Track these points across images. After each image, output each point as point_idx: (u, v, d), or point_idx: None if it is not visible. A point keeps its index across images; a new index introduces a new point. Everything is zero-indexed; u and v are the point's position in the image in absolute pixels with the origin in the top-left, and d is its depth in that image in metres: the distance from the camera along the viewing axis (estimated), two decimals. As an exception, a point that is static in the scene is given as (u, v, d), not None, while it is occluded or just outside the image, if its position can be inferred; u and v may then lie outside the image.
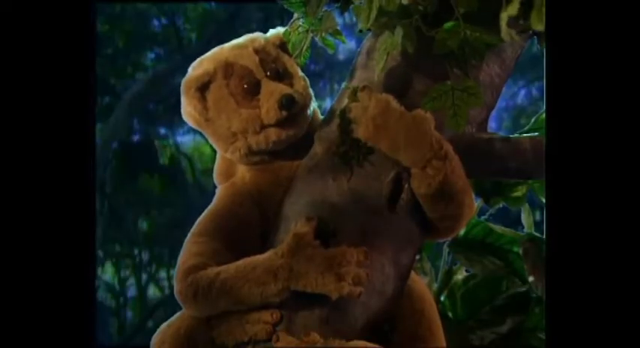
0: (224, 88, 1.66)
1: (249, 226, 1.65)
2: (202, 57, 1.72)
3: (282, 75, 1.67)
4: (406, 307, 1.63)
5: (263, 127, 1.64)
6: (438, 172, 1.53)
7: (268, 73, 1.66)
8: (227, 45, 1.71)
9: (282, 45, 1.70)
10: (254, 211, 1.67)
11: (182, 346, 1.60)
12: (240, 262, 1.55)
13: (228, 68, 1.66)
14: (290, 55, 1.70)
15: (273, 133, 1.64)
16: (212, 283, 1.54)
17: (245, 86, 1.65)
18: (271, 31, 1.72)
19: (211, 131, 1.70)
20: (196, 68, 1.70)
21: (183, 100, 1.70)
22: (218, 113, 1.66)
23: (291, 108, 1.62)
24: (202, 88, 1.67)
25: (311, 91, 1.72)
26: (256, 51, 1.67)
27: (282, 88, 1.64)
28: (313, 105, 1.71)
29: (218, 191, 1.73)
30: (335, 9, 1.65)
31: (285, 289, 1.51)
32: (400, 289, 1.62)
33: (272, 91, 1.63)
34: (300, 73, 1.70)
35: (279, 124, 1.63)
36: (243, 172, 1.71)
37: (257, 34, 1.72)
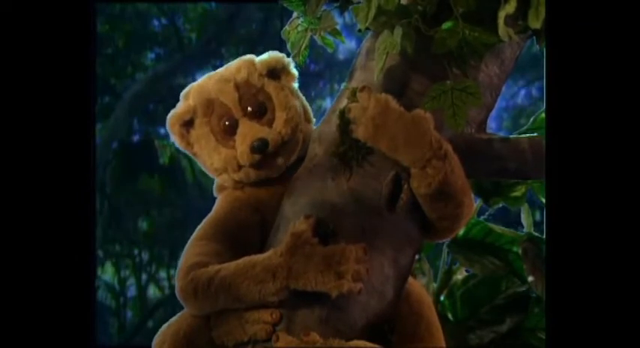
0: (205, 125, 1.69)
1: (249, 230, 1.66)
2: (192, 85, 1.73)
3: (263, 110, 1.68)
4: (404, 309, 1.63)
5: (240, 166, 1.67)
6: (438, 171, 1.53)
7: (249, 109, 1.67)
8: (215, 75, 1.72)
9: (272, 72, 1.70)
10: (254, 217, 1.68)
11: (182, 346, 1.60)
12: (241, 260, 1.55)
13: (209, 105, 1.69)
14: (279, 81, 1.70)
15: (252, 173, 1.68)
16: (212, 280, 1.54)
17: (226, 123, 1.68)
18: (262, 56, 1.72)
19: (200, 162, 1.75)
20: (182, 101, 1.72)
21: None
22: (200, 149, 1.71)
23: (264, 151, 1.65)
24: (185, 124, 1.71)
25: (301, 115, 1.71)
26: (237, 86, 1.68)
27: (256, 131, 1.65)
28: (310, 126, 1.73)
29: (218, 199, 1.75)
30: (334, 8, 1.65)
31: (283, 289, 1.51)
32: (400, 290, 1.62)
33: (246, 134, 1.66)
34: (290, 102, 1.69)
35: (255, 165, 1.66)
36: None
37: (247, 61, 1.71)
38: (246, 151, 1.65)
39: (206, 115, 1.69)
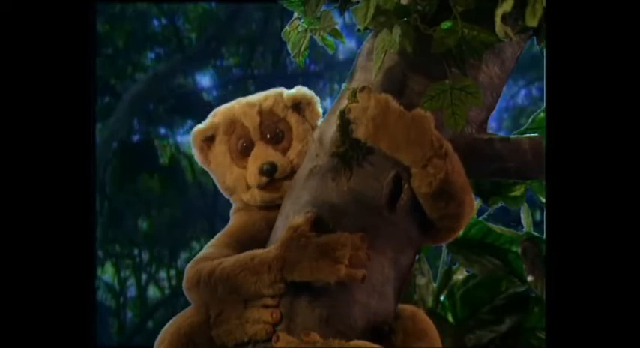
0: (224, 144, 1.75)
1: (260, 246, 1.67)
2: (224, 105, 1.80)
3: (281, 138, 1.74)
4: (409, 326, 1.63)
5: (248, 187, 1.73)
6: (439, 170, 1.53)
7: (268, 136, 1.73)
8: (244, 99, 1.79)
9: (296, 105, 1.76)
10: (265, 233, 1.70)
11: (181, 344, 1.61)
12: (242, 254, 1.59)
13: (231, 125, 1.75)
14: (303, 116, 1.75)
15: (257, 194, 1.72)
16: (213, 270, 1.58)
17: (243, 145, 1.74)
18: (292, 90, 1.77)
19: (215, 179, 1.80)
20: (209, 118, 1.79)
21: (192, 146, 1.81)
22: (216, 166, 1.78)
23: (272, 175, 1.70)
24: (207, 140, 1.77)
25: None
26: (261, 112, 1.74)
27: (267, 155, 1.71)
28: None
29: (232, 218, 1.79)
30: (334, 9, 1.65)
31: (278, 281, 1.53)
32: (400, 290, 1.62)
33: (258, 156, 1.72)
34: (309, 137, 1.73)
35: (262, 187, 1.71)
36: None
37: (275, 92, 1.78)
38: (254, 172, 1.71)
39: (227, 133, 1.75)
